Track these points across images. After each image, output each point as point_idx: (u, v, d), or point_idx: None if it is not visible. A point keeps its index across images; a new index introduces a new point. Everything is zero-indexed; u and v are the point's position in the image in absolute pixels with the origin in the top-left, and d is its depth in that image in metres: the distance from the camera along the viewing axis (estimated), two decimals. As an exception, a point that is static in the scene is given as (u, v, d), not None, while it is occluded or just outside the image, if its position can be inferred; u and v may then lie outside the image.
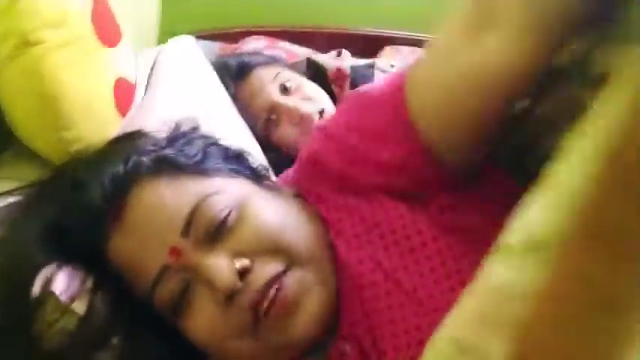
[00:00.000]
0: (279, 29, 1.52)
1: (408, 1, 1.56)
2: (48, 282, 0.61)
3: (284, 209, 0.63)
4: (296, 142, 1.08)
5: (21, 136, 0.79)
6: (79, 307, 0.63)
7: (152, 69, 0.95)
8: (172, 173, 0.62)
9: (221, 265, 0.57)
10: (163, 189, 0.61)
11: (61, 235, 0.62)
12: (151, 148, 0.66)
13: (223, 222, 0.59)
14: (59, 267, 0.62)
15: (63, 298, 0.62)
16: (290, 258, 0.59)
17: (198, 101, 0.92)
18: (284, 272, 0.58)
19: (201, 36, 1.27)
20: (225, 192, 0.62)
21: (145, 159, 0.63)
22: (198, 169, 0.64)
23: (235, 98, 1.10)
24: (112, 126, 0.78)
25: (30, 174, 0.73)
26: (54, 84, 0.73)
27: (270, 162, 0.88)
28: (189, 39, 1.07)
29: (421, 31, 1.38)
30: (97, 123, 0.77)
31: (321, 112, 1.13)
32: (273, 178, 0.77)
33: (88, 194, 0.61)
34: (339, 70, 1.25)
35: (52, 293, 0.62)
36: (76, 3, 0.78)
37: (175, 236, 0.58)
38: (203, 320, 0.59)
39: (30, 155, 0.79)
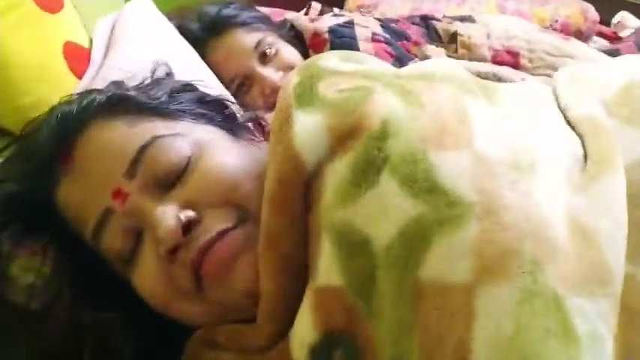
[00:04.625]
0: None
1: None
2: (16, 238, 0.58)
3: (249, 161, 0.56)
4: (259, 111, 1.08)
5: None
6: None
7: (112, 31, 0.94)
8: (129, 113, 0.57)
9: (167, 215, 0.51)
10: (116, 128, 0.56)
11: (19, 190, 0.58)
12: (111, 88, 0.62)
13: (176, 167, 0.53)
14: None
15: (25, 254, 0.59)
16: (243, 214, 0.53)
17: (166, 57, 0.91)
18: (233, 229, 0.52)
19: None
20: (185, 136, 0.56)
21: (99, 96, 0.58)
22: (158, 109, 0.58)
23: (203, 56, 1.05)
24: (69, 88, 0.76)
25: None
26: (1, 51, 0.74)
27: None
28: (147, 1, 1.04)
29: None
30: (52, 86, 0.75)
31: None
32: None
33: (36, 139, 0.57)
34: (315, 35, 1.18)
35: (19, 249, 0.59)
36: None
37: (119, 177, 0.53)
38: (146, 276, 0.53)
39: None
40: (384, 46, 1.17)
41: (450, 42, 1.24)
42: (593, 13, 1.37)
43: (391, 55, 1.15)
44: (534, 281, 0.40)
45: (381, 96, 0.49)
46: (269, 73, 1.10)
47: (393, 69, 0.61)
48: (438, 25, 1.27)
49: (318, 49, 1.16)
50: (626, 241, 0.43)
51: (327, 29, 1.17)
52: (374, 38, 1.18)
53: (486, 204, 0.42)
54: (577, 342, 0.40)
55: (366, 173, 0.46)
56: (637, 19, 1.29)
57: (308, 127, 0.49)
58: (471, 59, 1.18)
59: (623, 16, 1.28)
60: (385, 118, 0.47)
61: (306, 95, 0.51)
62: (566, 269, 0.41)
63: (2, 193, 0.58)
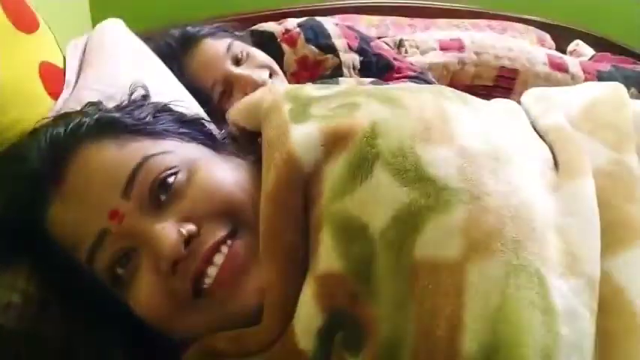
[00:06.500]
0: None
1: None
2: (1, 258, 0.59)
3: (237, 173, 0.59)
4: None
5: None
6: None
7: (84, 52, 0.93)
8: (117, 135, 0.58)
9: (168, 232, 0.52)
10: (106, 150, 0.56)
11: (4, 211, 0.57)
12: (96, 111, 0.63)
13: (170, 183, 0.54)
14: None
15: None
16: (237, 222, 0.55)
17: (140, 76, 0.90)
18: (229, 236, 0.54)
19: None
20: (173, 153, 0.57)
21: (87, 119, 0.59)
22: (145, 130, 0.60)
23: (180, 73, 1.08)
24: (44, 109, 0.75)
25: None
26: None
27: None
28: (119, 21, 1.01)
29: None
30: (27, 107, 0.72)
31: (270, 75, 1.15)
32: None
33: (25, 161, 0.57)
34: (287, 30, 1.26)
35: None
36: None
37: (116, 198, 0.54)
38: (145, 292, 0.54)
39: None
40: (352, 32, 1.27)
41: (399, 47, 1.36)
42: (549, 42, 1.44)
43: (356, 38, 1.25)
44: (517, 257, 0.45)
45: (367, 105, 0.55)
46: (246, 71, 1.13)
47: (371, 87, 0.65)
48: (385, 39, 1.41)
49: (292, 42, 1.24)
50: (599, 235, 0.48)
51: (296, 23, 1.27)
52: (342, 26, 1.28)
53: (471, 190, 0.48)
54: (557, 316, 0.44)
55: (361, 168, 0.51)
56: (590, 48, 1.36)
57: (303, 133, 0.54)
58: (422, 53, 1.31)
59: (579, 44, 1.35)
60: (374, 120, 0.53)
61: (301, 115, 0.55)
62: (544, 251, 0.46)
63: None
